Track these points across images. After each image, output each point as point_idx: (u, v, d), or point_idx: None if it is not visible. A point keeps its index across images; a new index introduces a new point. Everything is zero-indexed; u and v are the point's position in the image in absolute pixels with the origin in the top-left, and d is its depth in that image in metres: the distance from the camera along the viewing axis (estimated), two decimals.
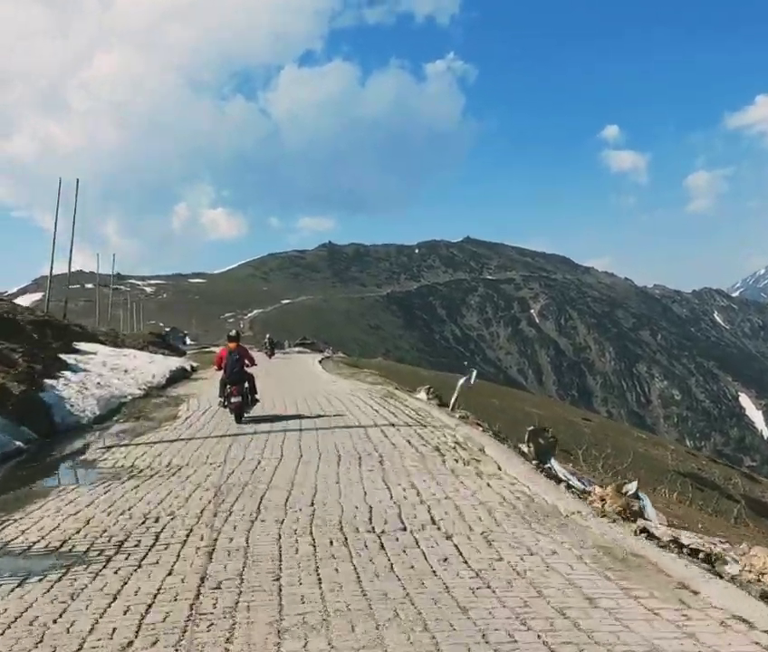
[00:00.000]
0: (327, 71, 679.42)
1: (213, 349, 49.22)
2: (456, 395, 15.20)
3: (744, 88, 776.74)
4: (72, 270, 36.54)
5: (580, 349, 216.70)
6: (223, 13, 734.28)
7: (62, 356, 17.92)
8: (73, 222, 33.61)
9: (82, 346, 22.21)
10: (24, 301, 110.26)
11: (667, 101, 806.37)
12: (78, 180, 33.03)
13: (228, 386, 13.14)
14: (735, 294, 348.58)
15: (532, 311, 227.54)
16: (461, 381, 15.92)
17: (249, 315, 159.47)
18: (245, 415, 13.10)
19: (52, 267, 31.38)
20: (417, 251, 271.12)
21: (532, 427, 10.82)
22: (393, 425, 12.01)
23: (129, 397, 16.74)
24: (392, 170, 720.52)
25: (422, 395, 17.48)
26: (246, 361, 13.55)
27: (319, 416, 13.77)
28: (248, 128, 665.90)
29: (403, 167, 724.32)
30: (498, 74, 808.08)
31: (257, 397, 13.87)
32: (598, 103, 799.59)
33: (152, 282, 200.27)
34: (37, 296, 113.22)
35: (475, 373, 16.73)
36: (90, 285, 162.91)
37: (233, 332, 14.20)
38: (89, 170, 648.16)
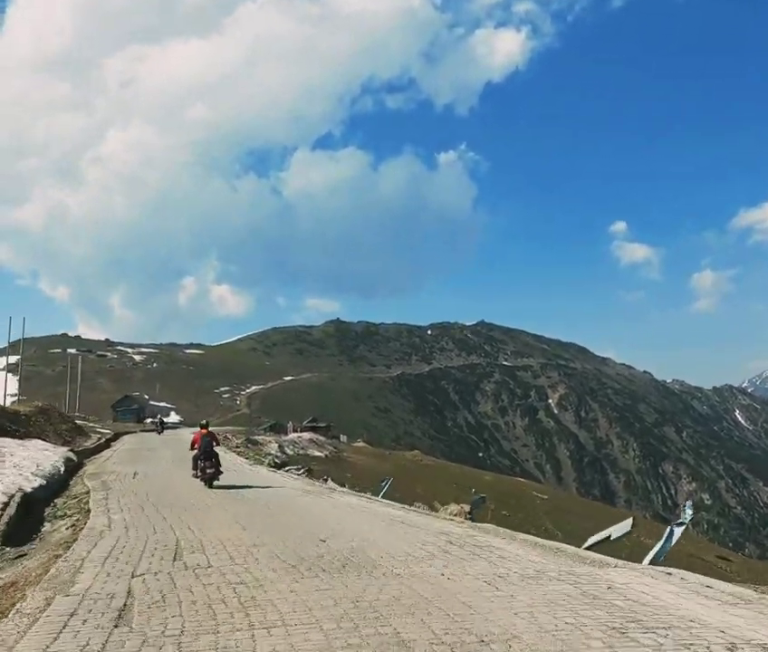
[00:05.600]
0: (340, 155, 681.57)
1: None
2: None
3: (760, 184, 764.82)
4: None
5: (602, 444, 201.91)
6: (244, 93, 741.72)
7: None
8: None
9: None
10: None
11: (680, 197, 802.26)
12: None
13: (201, 460, 16.65)
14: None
15: (550, 400, 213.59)
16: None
17: (247, 391, 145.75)
18: (215, 482, 16.37)
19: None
20: (429, 332, 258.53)
21: None
22: None
23: None
24: (403, 255, 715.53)
25: None
26: (214, 442, 17.31)
27: None
28: (259, 206, 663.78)
29: (414, 252, 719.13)
30: (510, 167, 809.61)
31: (221, 469, 16.99)
32: (608, 197, 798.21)
33: (143, 350, 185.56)
34: (13, 359, 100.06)
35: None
36: (72, 350, 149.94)
37: (203, 422, 18.37)
38: (97, 241, 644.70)
